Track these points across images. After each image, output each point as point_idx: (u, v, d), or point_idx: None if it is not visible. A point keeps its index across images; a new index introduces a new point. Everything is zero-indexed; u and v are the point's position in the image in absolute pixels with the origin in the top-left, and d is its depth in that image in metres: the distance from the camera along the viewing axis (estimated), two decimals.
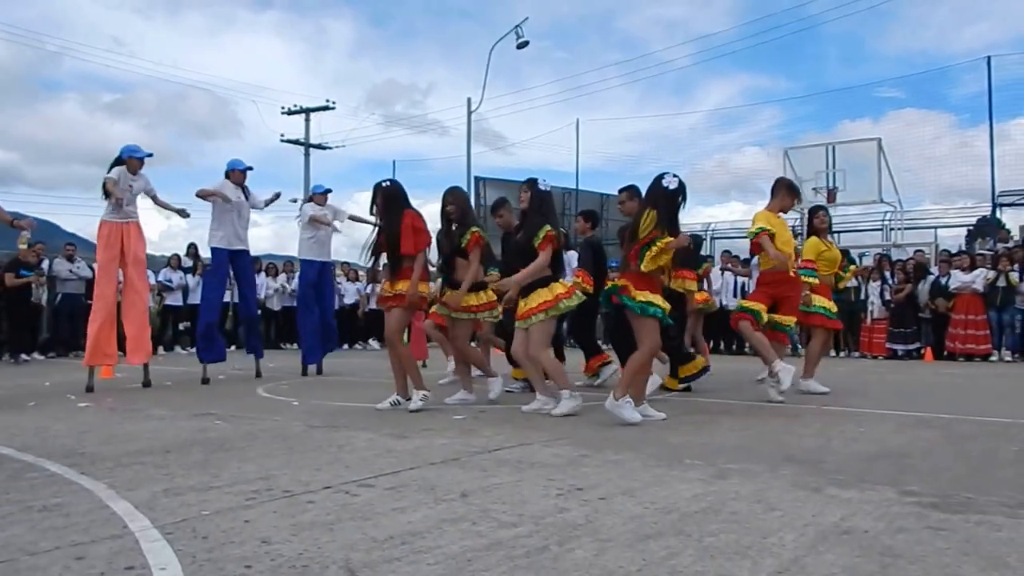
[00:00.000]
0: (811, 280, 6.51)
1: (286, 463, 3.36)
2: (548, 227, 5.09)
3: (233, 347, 12.42)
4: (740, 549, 2.13)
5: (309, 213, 8.34)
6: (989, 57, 15.56)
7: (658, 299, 4.59)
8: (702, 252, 9.49)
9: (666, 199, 4.59)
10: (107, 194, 6.52)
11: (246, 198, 7.60)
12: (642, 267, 4.50)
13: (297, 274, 13.93)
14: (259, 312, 14.44)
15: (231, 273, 7.69)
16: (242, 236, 7.57)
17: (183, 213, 7.29)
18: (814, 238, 6.75)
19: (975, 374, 9.10)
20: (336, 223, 8.57)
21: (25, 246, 6.12)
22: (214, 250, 7.53)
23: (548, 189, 5.30)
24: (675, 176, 4.64)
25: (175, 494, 2.78)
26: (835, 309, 6.75)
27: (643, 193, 4.89)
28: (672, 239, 4.49)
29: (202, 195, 7.32)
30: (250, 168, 7.61)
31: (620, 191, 6.32)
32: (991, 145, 15.43)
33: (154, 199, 7.08)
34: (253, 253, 8.40)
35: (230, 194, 7.39)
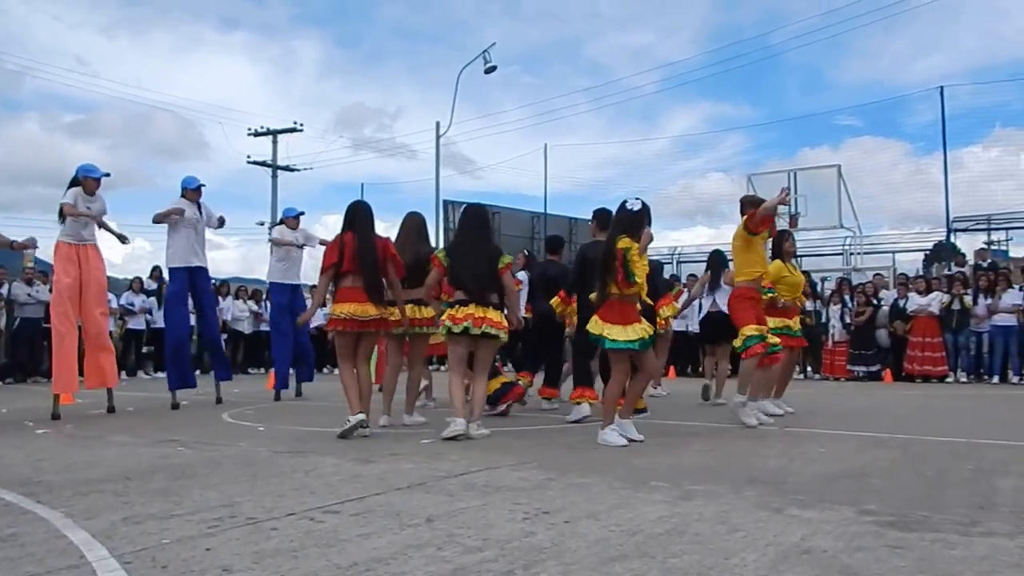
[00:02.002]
0: (770, 296, 6.61)
1: (250, 490, 3.32)
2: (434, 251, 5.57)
3: (198, 371, 12.22)
4: (703, 570, 2.16)
5: (272, 236, 8.37)
6: (942, 87, 16.08)
7: (630, 330, 4.64)
8: (666, 275, 9.68)
9: (631, 220, 4.77)
10: (63, 217, 6.43)
11: (201, 215, 7.47)
12: (635, 280, 4.61)
13: (266, 300, 13.83)
14: (219, 331, 14.25)
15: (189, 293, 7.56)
16: (200, 253, 7.44)
17: (123, 239, 7.08)
18: (778, 262, 6.78)
19: (932, 395, 9.30)
20: (307, 247, 8.55)
21: (32, 264, 6.17)
22: (173, 270, 7.37)
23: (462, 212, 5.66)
24: (637, 199, 4.84)
25: (134, 522, 2.73)
26: (796, 327, 6.83)
27: (611, 219, 5.06)
28: (637, 244, 4.64)
29: (159, 219, 7.21)
30: (202, 185, 7.49)
31: (594, 212, 6.56)
32: (945, 172, 15.88)
33: (99, 223, 6.78)
34: (221, 276, 8.32)
35: (186, 209, 7.28)
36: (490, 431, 5.16)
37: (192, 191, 7.39)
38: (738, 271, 6.10)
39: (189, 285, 7.43)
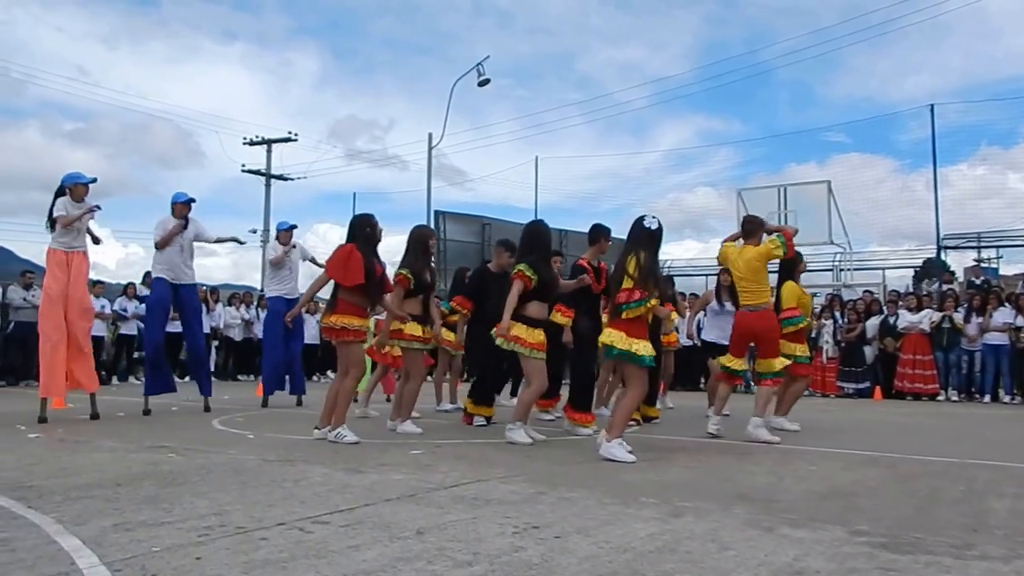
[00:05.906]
0: (799, 326, 6.54)
1: (239, 498, 3.31)
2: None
3: (187, 378, 12.19)
4: None
5: (269, 256, 8.48)
6: (932, 105, 16.14)
7: (645, 346, 4.70)
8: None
9: (650, 239, 4.81)
10: (53, 226, 6.51)
11: (188, 230, 7.49)
12: (626, 315, 4.69)
13: (257, 307, 13.83)
14: (205, 346, 14.26)
15: (172, 307, 7.62)
16: (186, 269, 7.48)
17: (95, 240, 7.01)
18: (792, 283, 6.61)
19: (922, 413, 9.33)
20: (300, 260, 8.59)
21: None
22: (157, 280, 7.44)
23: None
24: (654, 217, 4.88)
25: (125, 529, 2.72)
26: (804, 351, 6.75)
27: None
28: (656, 302, 4.73)
29: (163, 243, 7.26)
30: (192, 200, 7.54)
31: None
32: (935, 190, 15.93)
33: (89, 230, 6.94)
34: (212, 283, 8.40)
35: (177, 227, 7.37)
36: (532, 441, 5.41)
37: (182, 205, 7.43)
38: (757, 295, 5.90)
39: (174, 298, 7.48)
